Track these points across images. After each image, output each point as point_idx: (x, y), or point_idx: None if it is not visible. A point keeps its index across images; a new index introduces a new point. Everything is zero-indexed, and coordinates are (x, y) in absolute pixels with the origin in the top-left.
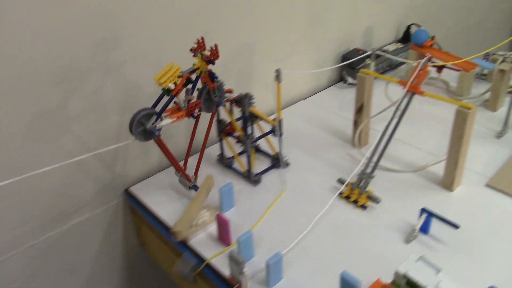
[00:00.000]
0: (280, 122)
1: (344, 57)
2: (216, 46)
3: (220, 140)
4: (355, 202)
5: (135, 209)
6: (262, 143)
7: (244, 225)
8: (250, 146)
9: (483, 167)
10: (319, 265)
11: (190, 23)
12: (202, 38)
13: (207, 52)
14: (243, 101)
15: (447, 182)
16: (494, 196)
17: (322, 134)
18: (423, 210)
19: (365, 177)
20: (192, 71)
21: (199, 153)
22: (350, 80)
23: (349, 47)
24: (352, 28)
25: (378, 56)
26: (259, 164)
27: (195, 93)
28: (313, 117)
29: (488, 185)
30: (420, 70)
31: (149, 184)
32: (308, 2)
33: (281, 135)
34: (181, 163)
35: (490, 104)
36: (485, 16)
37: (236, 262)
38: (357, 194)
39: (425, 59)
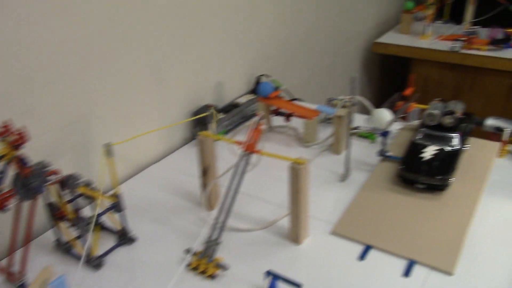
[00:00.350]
0: (119, 197)
1: (195, 115)
2: (22, 128)
3: (54, 226)
4: (203, 272)
5: None
6: (107, 220)
7: None
8: (85, 229)
9: (329, 214)
10: None
11: (5, 102)
12: (8, 122)
13: (13, 136)
14: (68, 183)
15: (294, 237)
16: (339, 244)
17: (174, 199)
18: (268, 273)
19: (211, 244)
20: None
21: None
22: None
23: (200, 104)
24: (202, 85)
25: (229, 110)
26: (104, 243)
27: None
28: (164, 181)
29: (334, 233)
30: (255, 128)
31: None
32: (151, 62)
33: (122, 210)
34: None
35: (334, 148)
36: (333, 61)
37: None
38: (205, 263)
39: (256, 118)
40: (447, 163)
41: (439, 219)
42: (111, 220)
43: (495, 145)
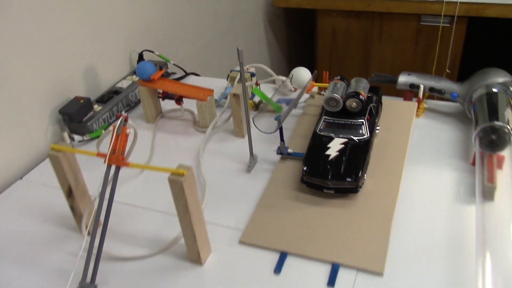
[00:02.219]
0: None
1: (62, 112)
2: None
3: None
4: None
5: None
6: None
7: None
8: None
9: (236, 217)
10: None
11: None
12: None
13: None
14: None
15: (194, 257)
16: (251, 254)
17: (43, 226)
18: None
19: None
20: None
21: None
22: (77, 138)
23: (68, 97)
24: (65, 74)
25: (107, 99)
26: None
27: None
28: (30, 203)
29: (241, 242)
30: (117, 134)
31: None
32: None
33: None
34: None
35: (236, 131)
36: (231, 22)
37: None
38: None
39: (119, 120)
40: (356, 159)
41: (360, 213)
42: None
43: (412, 106)
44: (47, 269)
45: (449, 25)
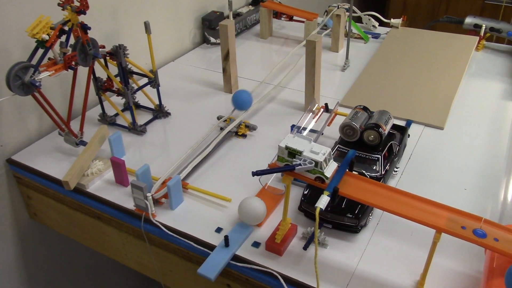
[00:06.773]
0: (156, 72)
1: (204, 19)
2: None
3: (100, 98)
4: (236, 133)
5: (22, 177)
6: (141, 99)
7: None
8: (131, 96)
9: (335, 93)
10: (213, 185)
11: None
12: None
13: (76, 3)
14: (118, 52)
15: (308, 106)
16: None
17: (196, 87)
18: (293, 126)
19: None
20: (64, 23)
21: (81, 110)
22: (212, 40)
23: (206, 10)
24: None
25: (234, 16)
26: (142, 118)
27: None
28: (184, 74)
29: (339, 104)
30: None
31: (31, 152)
32: None
33: (158, 86)
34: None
35: (333, 47)
36: None
37: (138, 188)
38: (236, 126)
39: None
40: None
41: (428, 88)
42: (146, 97)
43: (474, 39)
44: (203, 107)
45: (511, 5)
